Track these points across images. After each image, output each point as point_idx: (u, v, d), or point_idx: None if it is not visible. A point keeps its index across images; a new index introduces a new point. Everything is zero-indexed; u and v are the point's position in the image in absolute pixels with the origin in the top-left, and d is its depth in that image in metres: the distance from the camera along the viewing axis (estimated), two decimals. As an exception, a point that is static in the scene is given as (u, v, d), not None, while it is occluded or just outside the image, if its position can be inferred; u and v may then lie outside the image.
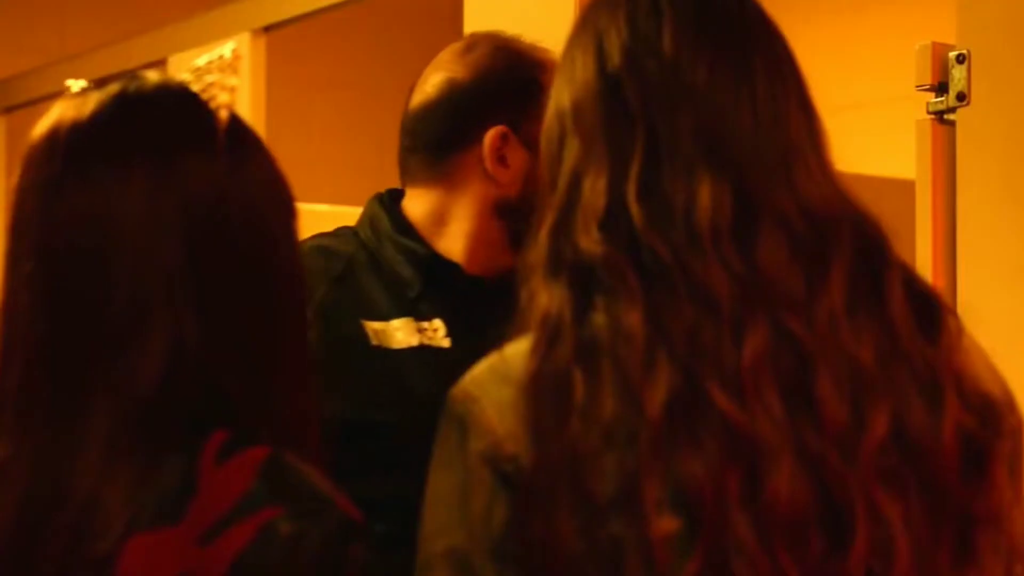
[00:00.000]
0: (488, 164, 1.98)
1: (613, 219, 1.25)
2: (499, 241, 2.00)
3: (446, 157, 2.01)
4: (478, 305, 1.98)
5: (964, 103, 2.25)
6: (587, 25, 1.33)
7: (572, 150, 1.30)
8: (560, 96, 1.33)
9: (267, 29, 3.85)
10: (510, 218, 1.99)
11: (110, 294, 1.26)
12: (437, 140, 2.02)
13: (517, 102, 1.99)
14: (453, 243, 2.01)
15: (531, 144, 1.96)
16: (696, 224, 1.23)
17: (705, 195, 1.24)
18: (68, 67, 4.32)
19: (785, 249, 1.24)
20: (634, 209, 1.25)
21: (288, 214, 1.35)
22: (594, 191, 1.27)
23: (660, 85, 1.28)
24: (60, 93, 1.36)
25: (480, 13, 3.40)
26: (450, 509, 1.23)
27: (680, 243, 1.23)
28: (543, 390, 1.21)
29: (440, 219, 2.02)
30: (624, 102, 1.29)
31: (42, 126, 1.33)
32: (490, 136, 1.98)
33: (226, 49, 1.29)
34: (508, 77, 2.01)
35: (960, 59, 2.25)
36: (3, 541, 1.24)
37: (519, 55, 2.03)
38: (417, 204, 2.03)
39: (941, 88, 2.28)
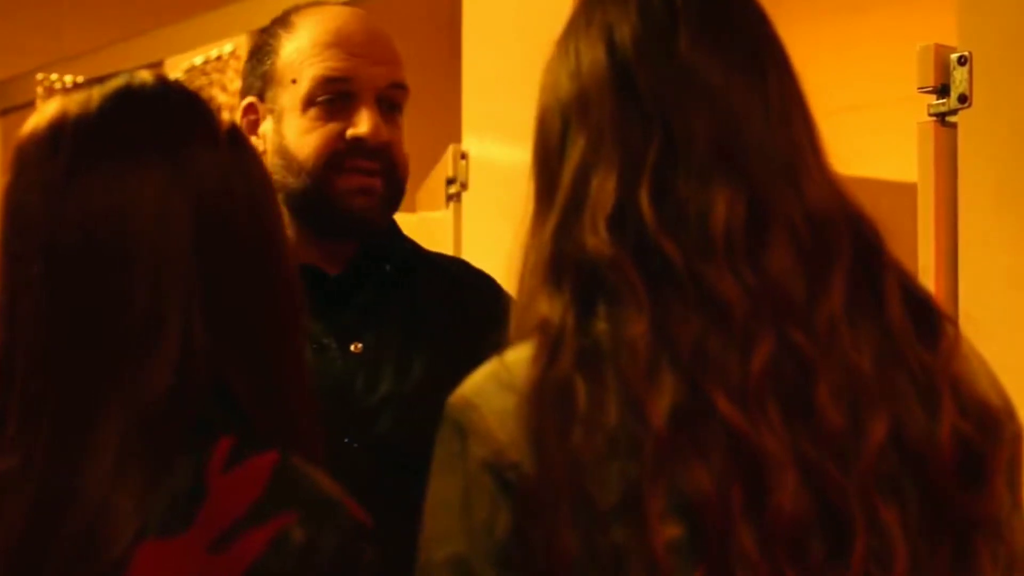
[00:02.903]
0: None
1: (622, 219, 1.23)
2: (290, 222, 1.94)
3: None
4: (310, 296, 1.97)
5: (966, 105, 2.24)
6: (592, 18, 1.30)
7: (577, 146, 1.26)
8: (560, 89, 1.29)
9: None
10: (279, 192, 1.88)
11: (129, 295, 1.24)
12: None
13: (258, 71, 1.97)
14: None
15: (272, 111, 1.95)
16: (710, 231, 1.22)
17: (721, 203, 1.22)
18: (65, 69, 4.30)
19: (791, 256, 1.23)
20: (646, 210, 1.22)
21: (279, 211, 1.34)
22: (603, 189, 1.24)
23: (676, 83, 1.26)
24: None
25: (479, 15, 3.39)
26: (451, 516, 1.21)
27: (691, 249, 1.21)
28: (546, 398, 1.19)
29: None
30: (637, 97, 1.26)
31: (38, 123, 1.30)
32: (239, 109, 1.97)
33: (224, 49, 1.27)
34: (254, 47, 1.99)
35: (961, 61, 2.25)
36: (13, 548, 1.22)
37: (276, 23, 2.00)
38: None
39: (943, 90, 2.27)
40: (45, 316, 1.25)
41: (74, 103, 1.29)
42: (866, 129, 4.11)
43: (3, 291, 1.28)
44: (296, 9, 2.01)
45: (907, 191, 2.36)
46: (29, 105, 4.48)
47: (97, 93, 1.29)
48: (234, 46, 1.14)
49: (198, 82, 1.15)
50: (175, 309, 1.23)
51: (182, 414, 1.22)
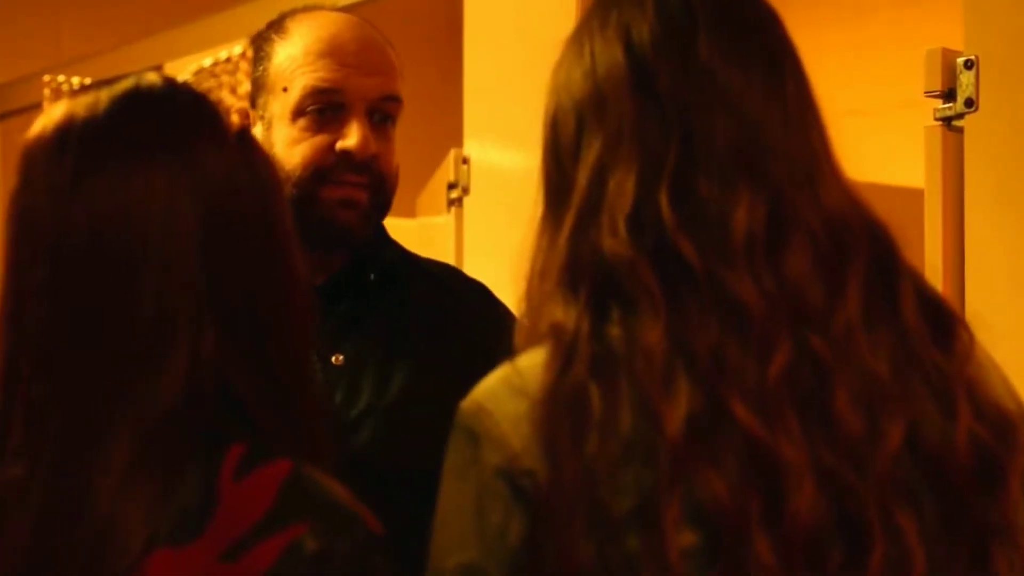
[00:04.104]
0: None
1: (641, 220, 1.22)
2: None
3: None
4: None
5: (972, 109, 2.23)
6: (607, 19, 1.29)
7: (593, 146, 1.25)
8: (574, 89, 1.28)
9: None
10: None
11: (136, 298, 1.22)
12: None
13: (252, 77, 1.93)
14: None
15: (263, 118, 1.92)
16: (731, 234, 1.21)
17: (743, 207, 1.21)
18: (64, 73, 4.29)
19: (809, 261, 1.22)
20: (666, 211, 1.21)
21: (291, 215, 1.32)
22: (622, 190, 1.23)
23: (695, 85, 1.25)
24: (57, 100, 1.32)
25: (480, 18, 3.38)
26: (464, 523, 1.20)
27: (710, 252, 1.20)
28: (560, 405, 1.18)
29: None
30: (656, 98, 1.25)
31: (45, 126, 1.28)
32: (235, 114, 1.94)
33: (235, 51, 1.25)
34: (251, 52, 1.92)
35: (968, 65, 2.24)
36: (21, 559, 1.20)
37: (271, 28, 1.97)
38: None
39: (949, 94, 2.26)
40: (51, 324, 1.23)
41: (81, 106, 1.27)
42: (871, 134, 4.11)
43: (9, 296, 1.26)
44: (292, 14, 1.98)
45: (912, 196, 2.35)
46: (28, 110, 4.47)
47: (105, 95, 1.28)
48: (244, 47, 1.13)
49: (207, 84, 1.14)
50: (183, 313, 1.22)
51: (192, 421, 1.20)
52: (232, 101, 1.27)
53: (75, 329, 1.23)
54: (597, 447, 1.16)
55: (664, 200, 1.21)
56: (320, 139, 1.89)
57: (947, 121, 2.26)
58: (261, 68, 1.93)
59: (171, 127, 1.27)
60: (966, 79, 2.24)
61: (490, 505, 1.19)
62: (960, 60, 2.25)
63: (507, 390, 1.22)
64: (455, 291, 2.03)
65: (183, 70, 1.29)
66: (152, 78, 1.30)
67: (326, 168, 1.88)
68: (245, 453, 1.20)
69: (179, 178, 1.24)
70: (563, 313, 1.22)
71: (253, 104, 1.93)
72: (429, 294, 1.99)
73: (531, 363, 1.22)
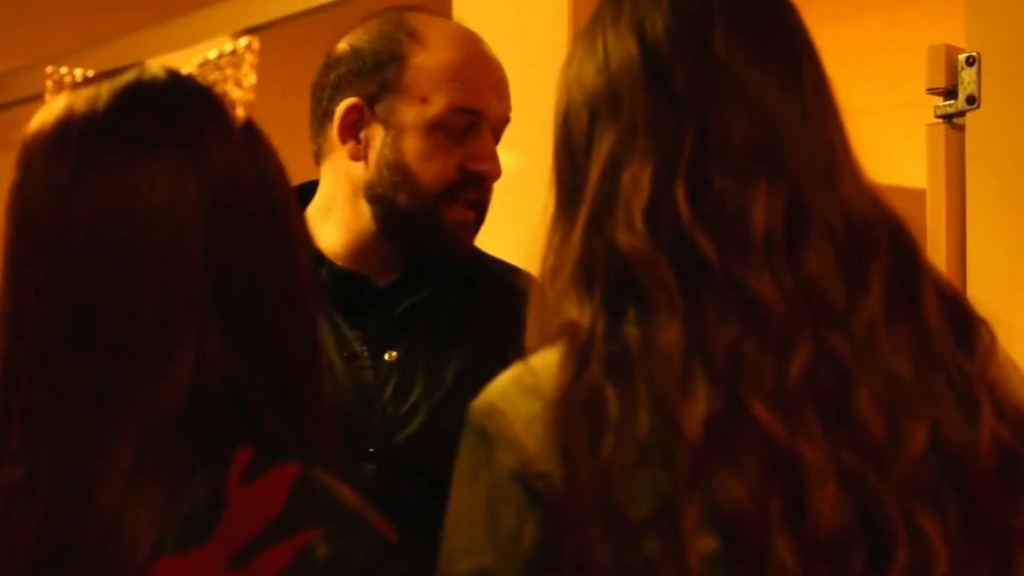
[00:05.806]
0: (337, 136, 1.91)
1: (657, 215, 1.19)
2: (370, 230, 1.93)
3: (318, 133, 1.96)
4: (352, 303, 1.92)
5: (974, 106, 2.21)
6: (620, 12, 1.27)
7: (606, 140, 1.23)
8: (587, 83, 1.26)
9: (249, 32, 3.81)
10: (377, 203, 1.91)
11: (138, 299, 1.18)
12: (313, 114, 1.97)
13: (374, 75, 1.92)
14: (334, 232, 1.95)
15: (388, 122, 1.90)
16: (748, 230, 1.18)
17: (760, 202, 1.19)
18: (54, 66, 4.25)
19: (829, 259, 1.20)
20: (683, 206, 1.19)
21: (298, 211, 1.29)
22: (637, 184, 1.20)
23: (711, 79, 1.23)
24: (41, 95, 1.29)
25: (471, 19, 3.35)
26: (476, 527, 1.18)
27: (728, 248, 1.18)
28: (576, 407, 1.15)
29: (326, 205, 1.96)
30: (671, 92, 1.22)
31: (44, 120, 1.24)
32: (340, 108, 1.92)
33: (240, 43, 1.22)
34: (370, 48, 1.93)
35: (970, 61, 2.23)
36: (25, 564, 1.17)
37: (395, 27, 1.94)
38: (319, 192, 1.98)
39: (951, 92, 2.24)
40: (52, 324, 1.20)
41: (81, 99, 1.24)
42: (871, 134, 4.09)
43: (8, 295, 1.23)
44: (414, 16, 1.95)
45: (912, 196, 2.33)
46: (12, 105, 4.43)
47: (106, 88, 1.24)
48: (249, 39, 1.09)
49: (212, 76, 1.10)
50: (187, 313, 1.19)
51: (198, 424, 1.17)
52: (238, 94, 1.24)
53: (74, 329, 1.20)
54: (614, 449, 1.13)
55: (681, 194, 1.19)
56: (454, 157, 1.90)
57: (949, 119, 2.25)
58: (392, 71, 1.90)
59: (174, 121, 1.24)
60: (968, 76, 2.22)
61: (503, 509, 1.17)
62: (962, 57, 2.23)
63: (520, 390, 1.19)
64: (522, 296, 2.01)
65: (195, 60, 1.25)
66: (155, 70, 1.27)
67: (455, 184, 1.90)
68: (253, 456, 1.17)
69: (182, 174, 1.21)
70: (577, 312, 1.19)
71: (371, 103, 1.91)
72: (495, 296, 1.97)
73: (544, 362, 1.19)
